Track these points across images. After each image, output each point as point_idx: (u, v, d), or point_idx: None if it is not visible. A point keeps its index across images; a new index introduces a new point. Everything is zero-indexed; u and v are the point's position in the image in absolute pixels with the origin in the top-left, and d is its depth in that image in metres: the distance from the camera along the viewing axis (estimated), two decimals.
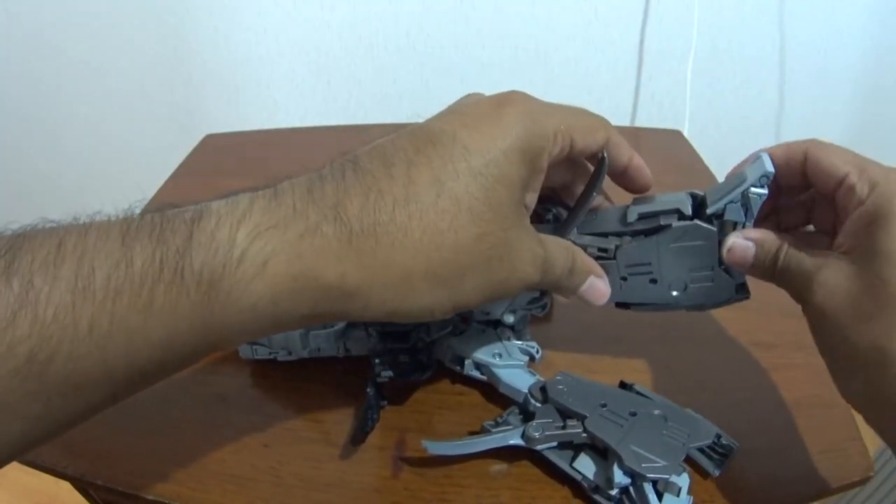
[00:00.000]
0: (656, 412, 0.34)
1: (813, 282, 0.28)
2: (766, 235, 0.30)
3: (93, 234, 0.18)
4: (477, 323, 0.39)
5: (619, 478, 0.30)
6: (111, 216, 0.20)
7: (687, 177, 0.64)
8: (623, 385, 0.37)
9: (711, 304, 0.34)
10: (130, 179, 1.02)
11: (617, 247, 0.33)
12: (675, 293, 0.34)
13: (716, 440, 0.34)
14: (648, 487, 0.30)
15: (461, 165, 0.23)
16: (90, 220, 0.20)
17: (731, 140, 1.02)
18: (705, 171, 0.65)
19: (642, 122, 0.99)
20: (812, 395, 0.38)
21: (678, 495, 0.30)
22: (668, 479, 0.30)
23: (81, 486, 0.36)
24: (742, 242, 0.30)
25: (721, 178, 0.33)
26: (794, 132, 1.04)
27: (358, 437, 0.34)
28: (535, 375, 0.37)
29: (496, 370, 0.37)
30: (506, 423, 0.35)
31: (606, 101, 0.99)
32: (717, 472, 0.33)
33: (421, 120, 0.27)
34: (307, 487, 0.32)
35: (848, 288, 0.26)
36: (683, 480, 0.31)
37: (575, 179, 0.33)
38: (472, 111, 0.26)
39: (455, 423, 0.37)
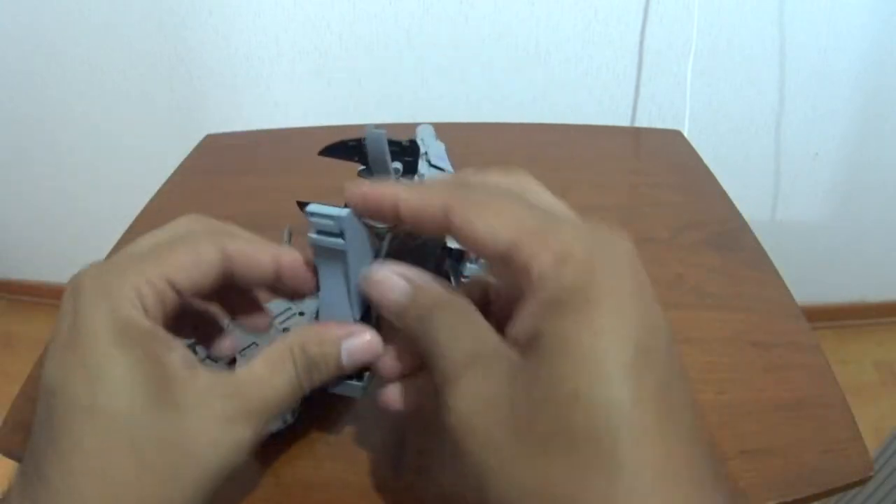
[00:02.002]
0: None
1: (455, 386, 0.19)
2: (429, 285, 0.22)
3: None
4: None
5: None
6: None
7: (687, 177, 0.63)
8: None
9: None
10: (130, 179, 1.02)
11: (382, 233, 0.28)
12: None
13: None
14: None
15: (87, 427, 0.20)
16: None
17: (730, 140, 1.02)
18: (705, 171, 0.65)
19: (642, 122, 0.99)
20: (812, 395, 0.37)
21: None
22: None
23: None
24: (394, 279, 0.22)
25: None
26: (794, 132, 1.04)
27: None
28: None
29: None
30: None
31: (606, 101, 0.99)
32: None
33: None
34: (307, 487, 0.32)
35: (509, 403, 0.18)
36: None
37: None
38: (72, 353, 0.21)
39: None
